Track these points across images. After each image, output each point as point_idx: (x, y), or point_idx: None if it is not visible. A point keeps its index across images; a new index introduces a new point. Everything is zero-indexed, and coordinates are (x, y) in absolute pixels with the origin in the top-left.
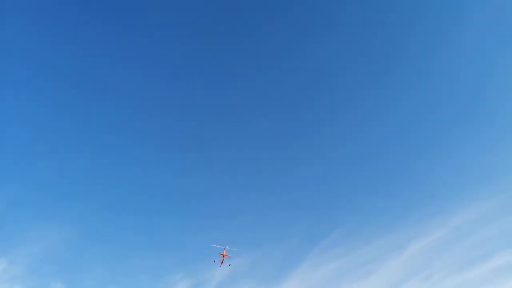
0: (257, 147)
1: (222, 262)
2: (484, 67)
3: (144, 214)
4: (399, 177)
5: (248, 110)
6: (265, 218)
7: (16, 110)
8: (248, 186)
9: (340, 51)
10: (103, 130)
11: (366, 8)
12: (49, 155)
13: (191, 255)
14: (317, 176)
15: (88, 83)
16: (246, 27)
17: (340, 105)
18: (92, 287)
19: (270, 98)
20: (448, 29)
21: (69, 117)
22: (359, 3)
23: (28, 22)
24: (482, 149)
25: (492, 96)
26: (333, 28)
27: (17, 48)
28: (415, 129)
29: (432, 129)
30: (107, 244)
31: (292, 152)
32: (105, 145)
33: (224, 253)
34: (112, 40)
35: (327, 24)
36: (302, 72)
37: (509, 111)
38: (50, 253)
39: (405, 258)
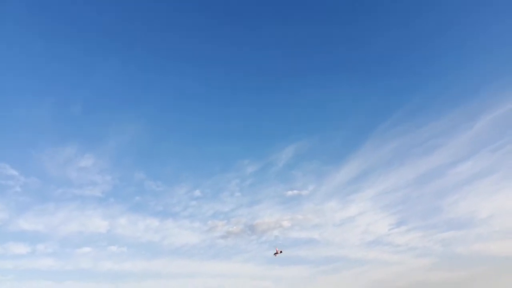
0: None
1: (276, 253)
2: None
3: (214, 103)
4: (466, 48)
5: None
6: (334, 91)
7: None
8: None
9: None
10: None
11: None
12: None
13: (257, 142)
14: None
15: None
16: None
17: None
18: (169, 174)
19: None
20: None
21: None
22: None
23: None
24: None
25: None
26: None
27: None
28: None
29: None
30: (181, 132)
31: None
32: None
33: (277, 250)
34: None
35: None
36: None
37: None
38: (132, 145)
39: (474, 131)
